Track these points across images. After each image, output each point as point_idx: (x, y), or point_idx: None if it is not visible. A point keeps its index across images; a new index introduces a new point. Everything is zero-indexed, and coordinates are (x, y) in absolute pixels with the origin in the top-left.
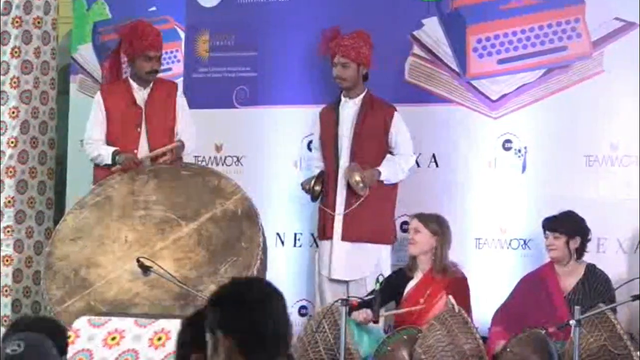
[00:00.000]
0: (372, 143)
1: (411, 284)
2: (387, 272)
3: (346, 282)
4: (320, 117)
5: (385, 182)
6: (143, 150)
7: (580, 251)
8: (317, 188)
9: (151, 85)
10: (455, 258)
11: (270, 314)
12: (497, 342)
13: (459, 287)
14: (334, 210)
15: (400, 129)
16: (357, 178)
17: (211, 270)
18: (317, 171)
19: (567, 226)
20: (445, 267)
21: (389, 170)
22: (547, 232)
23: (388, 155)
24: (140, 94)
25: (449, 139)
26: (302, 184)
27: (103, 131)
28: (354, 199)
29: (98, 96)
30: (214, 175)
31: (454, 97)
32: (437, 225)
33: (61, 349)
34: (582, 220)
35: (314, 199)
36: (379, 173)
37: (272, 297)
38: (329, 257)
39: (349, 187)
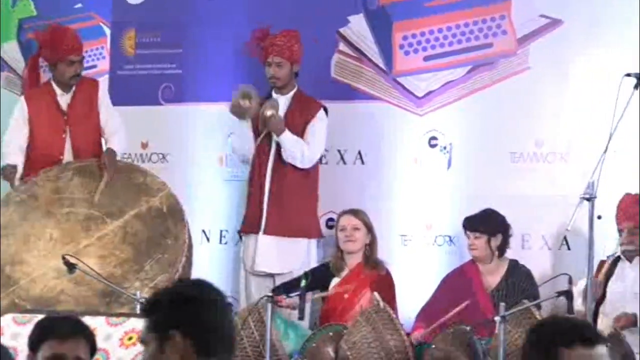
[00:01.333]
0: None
1: (336, 280)
2: (314, 265)
3: (272, 277)
4: None
5: (282, 145)
6: (68, 155)
7: (502, 248)
8: (244, 102)
9: (73, 89)
10: (381, 255)
11: (225, 315)
12: (417, 338)
13: (384, 284)
14: (261, 204)
15: (317, 124)
16: (269, 113)
17: (136, 267)
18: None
19: (487, 225)
20: (377, 262)
21: (291, 141)
22: (467, 232)
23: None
24: (64, 99)
25: (375, 136)
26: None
27: (23, 136)
28: (280, 190)
29: (22, 102)
30: (139, 172)
31: (379, 94)
32: (369, 221)
33: (93, 350)
34: (502, 218)
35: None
36: (284, 131)
37: (223, 297)
38: (254, 251)
39: (275, 178)
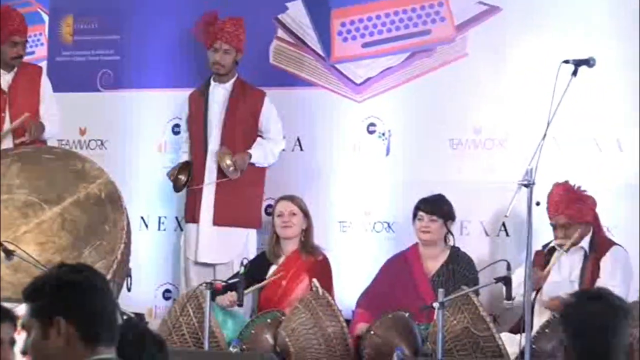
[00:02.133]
0: (243, 128)
1: (273, 267)
2: (253, 255)
3: (213, 266)
4: (189, 100)
5: (256, 165)
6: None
7: (448, 235)
8: (181, 177)
9: (15, 69)
10: (319, 241)
11: (109, 301)
12: (360, 324)
13: (322, 270)
14: (202, 193)
15: (270, 114)
16: (229, 162)
17: (75, 254)
18: (182, 159)
19: (444, 209)
20: (313, 248)
21: (259, 153)
22: (421, 214)
23: (259, 139)
24: (5, 79)
25: (314, 123)
26: (167, 174)
27: None
28: (227, 182)
29: None
30: (77, 159)
31: (318, 81)
32: (305, 207)
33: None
34: (452, 205)
35: (176, 188)
36: (250, 156)
37: (106, 283)
38: (196, 241)
39: (218, 171)
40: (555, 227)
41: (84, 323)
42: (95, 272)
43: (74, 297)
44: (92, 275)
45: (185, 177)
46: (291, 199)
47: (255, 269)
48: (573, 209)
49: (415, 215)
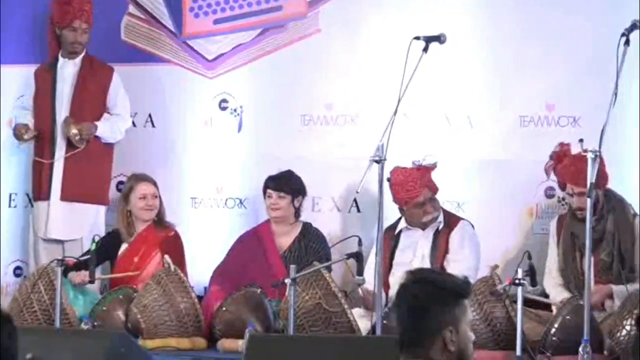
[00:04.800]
0: (91, 103)
1: (125, 244)
2: (103, 232)
3: (62, 243)
4: (35, 77)
5: (102, 140)
6: None
7: (299, 210)
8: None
9: None
10: (171, 217)
11: None
12: (215, 301)
13: (173, 245)
14: (51, 169)
15: (118, 90)
16: (75, 131)
17: None
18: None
19: (292, 186)
20: (166, 224)
21: (106, 127)
22: (270, 191)
23: (106, 115)
24: None
25: (165, 99)
26: (14, 127)
27: None
28: (74, 156)
29: None
30: None
31: (170, 57)
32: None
33: None
34: (301, 180)
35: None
36: (96, 127)
37: None
38: (46, 217)
39: (67, 146)
40: (423, 204)
41: None
42: None
43: None
44: None
45: (31, 135)
46: (151, 180)
47: (107, 247)
48: (432, 181)
49: (265, 193)
